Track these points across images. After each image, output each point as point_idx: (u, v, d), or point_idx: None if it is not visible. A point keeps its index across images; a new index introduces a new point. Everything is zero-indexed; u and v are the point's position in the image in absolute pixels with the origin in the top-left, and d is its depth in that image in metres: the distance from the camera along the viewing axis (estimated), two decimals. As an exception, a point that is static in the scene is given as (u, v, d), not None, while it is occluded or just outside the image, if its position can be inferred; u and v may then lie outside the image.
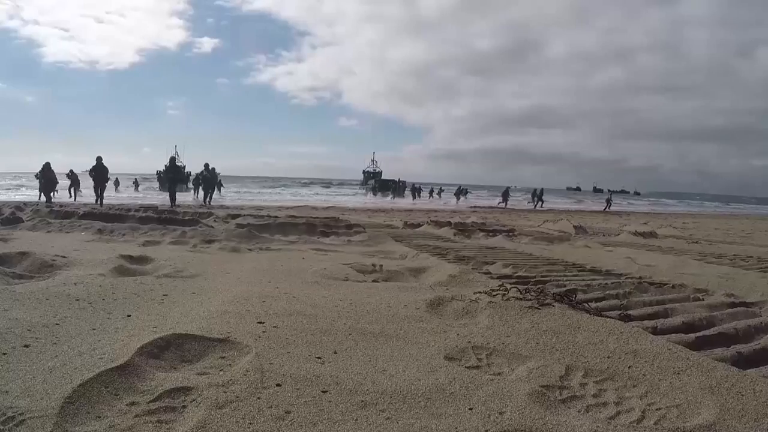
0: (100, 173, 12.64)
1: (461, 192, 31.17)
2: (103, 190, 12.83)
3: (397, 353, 1.43)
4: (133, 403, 1.03)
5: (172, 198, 13.17)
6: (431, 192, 32.74)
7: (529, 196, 25.07)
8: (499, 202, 24.47)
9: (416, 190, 29.77)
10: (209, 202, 15.39)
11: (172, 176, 14.24)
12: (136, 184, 30.02)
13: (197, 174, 16.27)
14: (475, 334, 1.63)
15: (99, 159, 12.61)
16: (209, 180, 15.90)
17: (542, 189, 24.62)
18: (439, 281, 2.55)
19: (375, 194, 34.31)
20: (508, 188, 26.10)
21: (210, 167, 15.84)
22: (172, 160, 14.13)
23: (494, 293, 2.08)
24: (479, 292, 2.12)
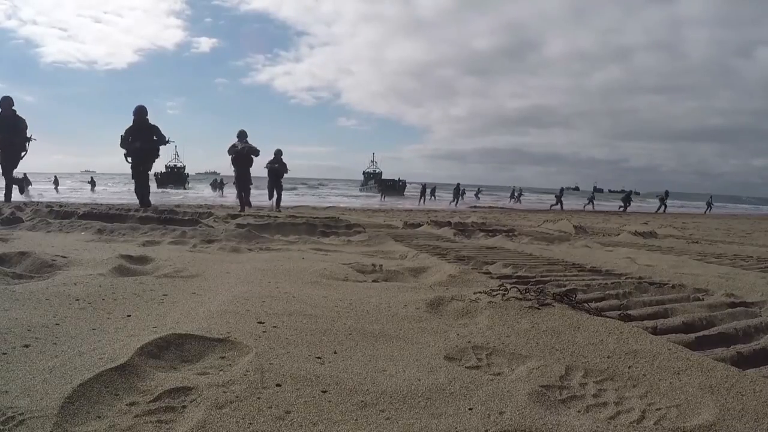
0: (6, 130, 6.71)
1: (519, 194, 31.02)
2: (10, 166, 6.91)
3: (397, 353, 1.43)
4: (133, 403, 1.03)
5: (141, 194, 7.20)
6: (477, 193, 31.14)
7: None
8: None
9: (459, 192, 26.91)
10: (277, 202, 10.51)
11: (143, 148, 6.95)
12: (56, 183, 28.37)
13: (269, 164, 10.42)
14: (475, 334, 1.63)
15: (6, 102, 6.79)
16: (276, 172, 10.33)
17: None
18: (439, 281, 2.55)
19: (383, 197, 32.32)
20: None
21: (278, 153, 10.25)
22: (140, 112, 6.95)
23: (494, 293, 2.08)
24: (479, 292, 2.12)
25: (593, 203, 25.49)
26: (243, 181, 9.15)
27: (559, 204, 23.90)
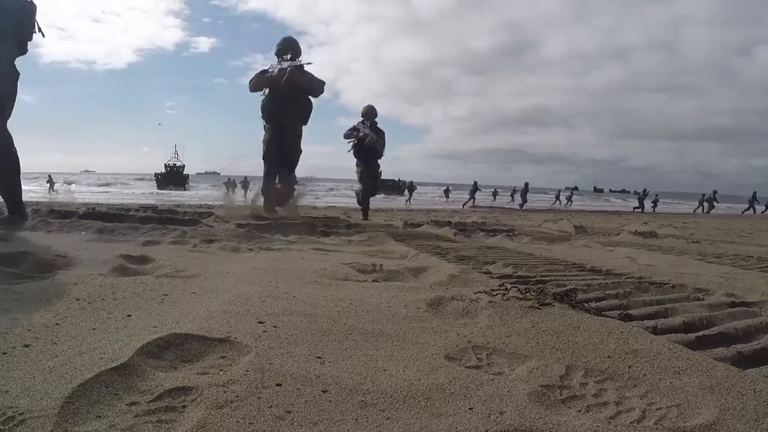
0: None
1: (569, 196, 30.35)
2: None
3: (397, 353, 1.43)
4: (133, 403, 1.03)
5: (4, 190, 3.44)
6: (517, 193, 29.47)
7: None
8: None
9: (527, 192, 24.78)
10: (364, 200, 6.71)
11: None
12: None
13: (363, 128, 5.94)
14: (476, 334, 1.63)
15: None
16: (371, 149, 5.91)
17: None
18: (439, 281, 2.55)
19: (409, 199, 30.56)
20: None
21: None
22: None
23: (494, 293, 2.08)
24: (479, 292, 2.12)
25: (656, 204, 24.39)
26: (279, 146, 4.42)
27: (708, 207, 21.68)
